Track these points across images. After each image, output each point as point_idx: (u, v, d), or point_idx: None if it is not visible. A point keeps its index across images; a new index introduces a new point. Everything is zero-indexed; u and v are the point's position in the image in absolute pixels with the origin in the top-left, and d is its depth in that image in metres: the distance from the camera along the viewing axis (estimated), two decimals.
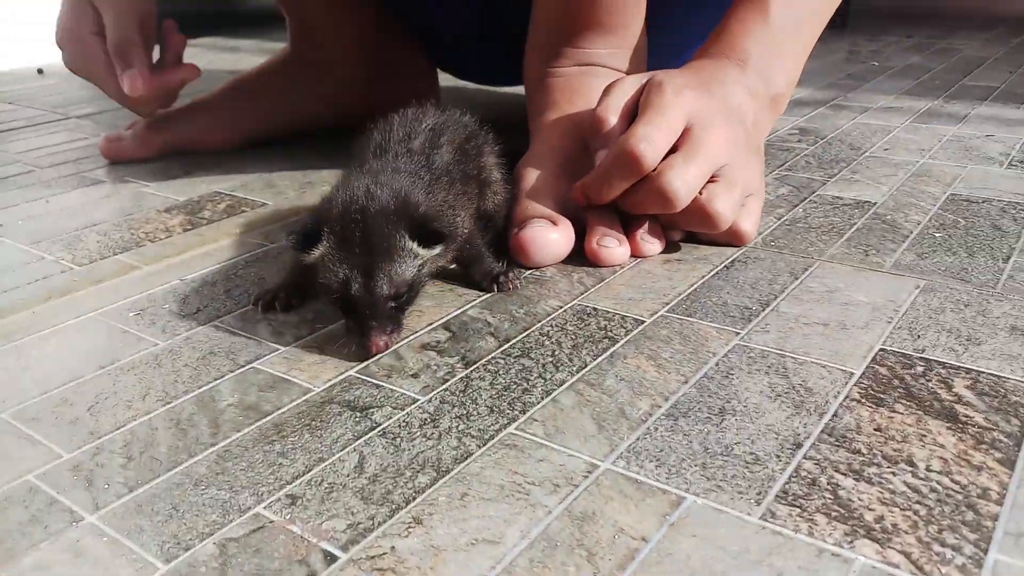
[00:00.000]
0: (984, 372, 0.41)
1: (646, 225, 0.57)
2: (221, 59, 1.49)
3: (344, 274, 0.43)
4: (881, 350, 0.43)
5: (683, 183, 0.52)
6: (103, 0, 0.74)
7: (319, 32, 0.88)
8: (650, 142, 0.52)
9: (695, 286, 0.51)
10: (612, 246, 0.55)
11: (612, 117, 0.57)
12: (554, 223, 0.55)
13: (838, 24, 1.59)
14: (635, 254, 0.56)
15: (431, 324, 0.48)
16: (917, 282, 0.51)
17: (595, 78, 0.65)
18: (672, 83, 0.55)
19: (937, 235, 0.58)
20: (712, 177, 0.54)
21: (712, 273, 0.53)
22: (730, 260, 0.55)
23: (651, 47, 0.69)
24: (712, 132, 0.54)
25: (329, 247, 0.44)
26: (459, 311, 0.49)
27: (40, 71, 1.41)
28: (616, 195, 0.55)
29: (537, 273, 0.54)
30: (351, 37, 0.89)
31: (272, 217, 0.67)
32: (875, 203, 0.65)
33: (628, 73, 0.66)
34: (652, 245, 0.56)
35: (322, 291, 0.45)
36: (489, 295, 0.51)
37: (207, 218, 0.67)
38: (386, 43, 0.91)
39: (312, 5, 0.88)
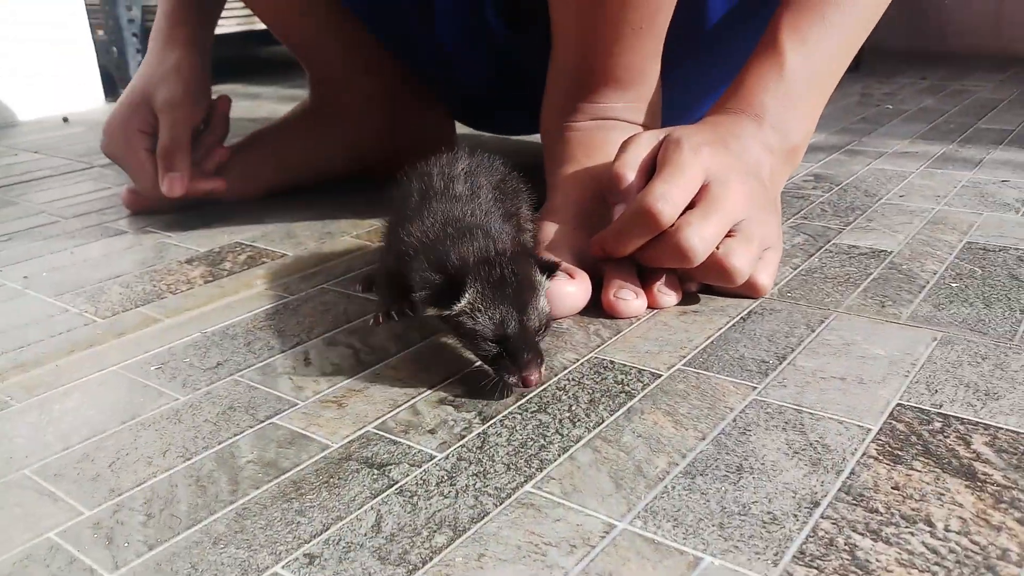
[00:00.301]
0: (1003, 428, 0.41)
1: (663, 277, 0.57)
2: (241, 107, 1.52)
3: (500, 316, 0.44)
4: (898, 405, 0.43)
5: (700, 240, 0.52)
6: (164, 107, 0.80)
7: (338, 85, 0.89)
8: (668, 200, 0.53)
9: (712, 338, 0.52)
10: (629, 298, 0.55)
11: (630, 173, 0.57)
12: (571, 276, 0.56)
13: (852, 67, 1.60)
14: (652, 306, 0.56)
15: (446, 378, 0.48)
16: (934, 334, 0.51)
17: (612, 132, 0.66)
18: (690, 140, 0.56)
19: (954, 285, 0.58)
20: (730, 232, 0.54)
21: (729, 325, 0.53)
22: (747, 312, 0.55)
23: (667, 101, 0.70)
24: (730, 188, 0.54)
25: (477, 294, 0.44)
26: (476, 363, 0.50)
27: (65, 120, 1.44)
28: (633, 250, 0.55)
29: (554, 325, 0.54)
30: (370, 90, 0.90)
31: (293, 267, 0.68)
32: (891, 252, 0.65)
33: (644, 127, 0.67)
34: (669, 297, 0.56)
35: (472, 338, 0.45)
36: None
37: (228, 269, 0.68)
38: (404, 94, 0.92)
39: (330, 60, 0.90)
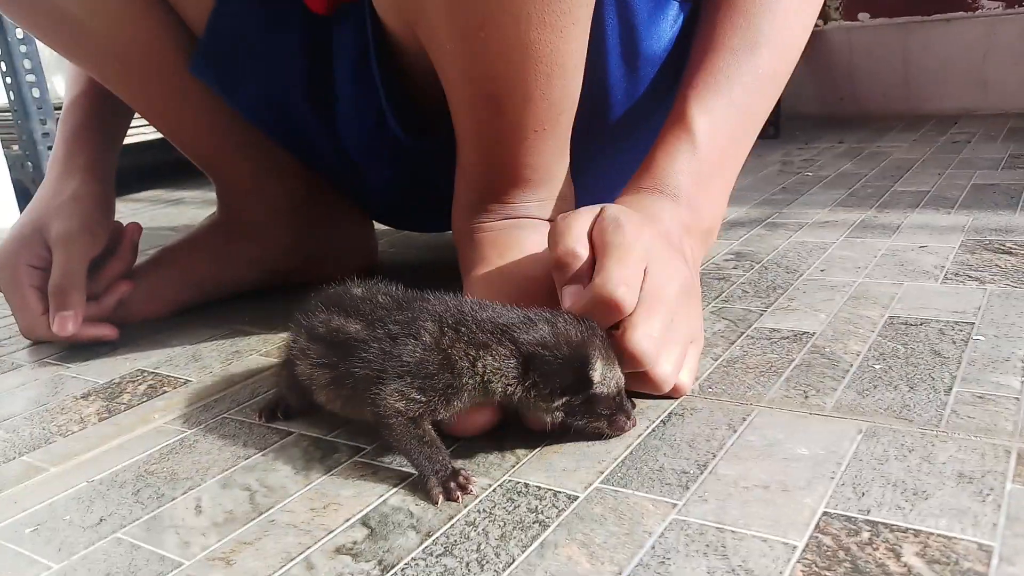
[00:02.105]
0: (933, 534, 0.38)
1: None
2: (164, 214, 1.48)
3: (616, 381, 0.49)
4: (825, 514, 0.41)
5: (651, 341, 0.50)
6: (59, 240, 0.75)
7: (245, 197, 0.87)
8: (628, 286, 0.50)
9: (631, 447, 0.49)
10: None
11: (582, 250, 0.53)
12: None
13: (771, 134, 1.63)
14: None
15: (348, 519, 0.45)
16: (859, 425, 0.49)
17: (524, 230, 0.65)
18: (629, 220, 0.53)
19: (877, 367, 0.57)
20: None
21: (649, 431, 0.51)
22: (667, 414, 0.53)
23: (579, 188, 0.69)
24: (667, 275, 0.53)
25: (597, 366, 0.47)
26: (380, 499, 0.46)
27: None
28: None
29: (467, 443, 0.51)
30: (279, 201, 0.88)
31: (195, 395, 0.64)
32: (813, 333, 0.63)
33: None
34: None
35: (594, 407, 0.48)
36: (414, 477, 0.48)
37: (126, 403, 0.64)
38: (316, 201, 0.90)
39: (236, 172, 0.87)
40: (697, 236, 0.62)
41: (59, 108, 1.57)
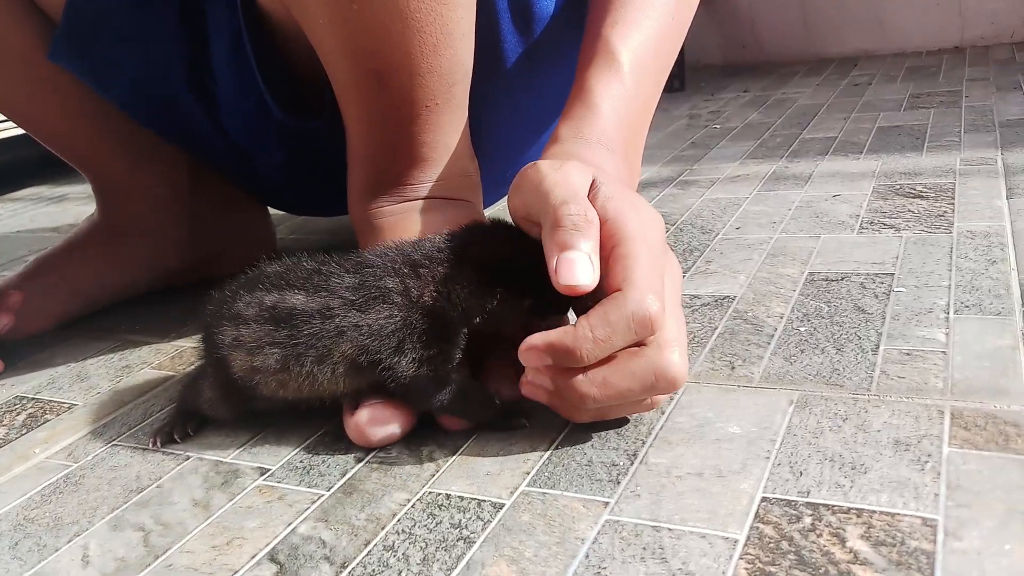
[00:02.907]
0: (876, 512, 0.37)
1: (502, 371, 0.51)
2: (44, 214, 1.38)
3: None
4: (763, 499, 0.38)
5: (683, 359, 0.43)
6: None
7: (124, 193, 0.80)
8: (659, 297, 0.42)
9: (556, 441, 0.46)
10: None
11: (593, 216, 0.44)
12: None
13: (676, 87, 1.62)
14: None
15: (254, 556, 0.40)
16: (790, 396, 0.47)
17: (426, 213, 0.60)
18: (631, 203, 0.46)
19: (802, 329, 0.55)
20: None
21: None
22: None
23: (477, 152, 0.65)
24: (671, 270, 0.47)
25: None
26: (289, 528, 0.42)
27: None
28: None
29: (381, 454, 0.48)
30: (162, 193, 0.81)
31: (81, 421, 0.58)
32: (734, 298, 0.61)
33: (460, 200, 0.61)
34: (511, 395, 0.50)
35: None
36: (324, 498, 0.44)
37: (2, 437, 0.58)
38: (204, 191, 0.84)
39: (109, 165, 0.80)
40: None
41: None
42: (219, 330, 0.49)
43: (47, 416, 0.60)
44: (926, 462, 0.39)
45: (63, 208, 1.40)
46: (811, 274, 0.64)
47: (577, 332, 0.41)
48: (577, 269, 0.41)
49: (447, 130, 0.59)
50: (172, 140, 0.80)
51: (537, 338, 0.42)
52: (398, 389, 0.46)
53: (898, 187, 0.82)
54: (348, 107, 0.58)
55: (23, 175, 1.69)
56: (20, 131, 1.46)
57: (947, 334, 0.51)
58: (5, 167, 1.63)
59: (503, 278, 0.46)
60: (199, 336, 0.54)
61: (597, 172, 0.47)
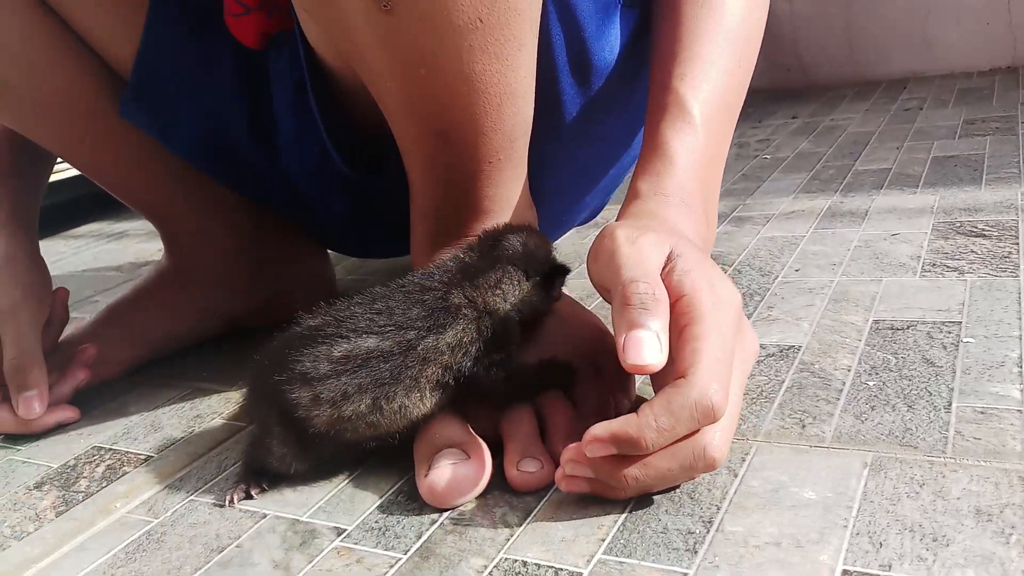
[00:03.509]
0: None
1: (564, 433, 0.51)
2: (106, 251, 1.42)
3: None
4: (844, 572, 0.38)
5: (723, 441, 0.43)
6: (4, 313, 0.68)
7: (191, 241, 0.82)
8: (723, 385, 0.42)
9: (630, 506, 0.46)
10: (534, 469, 0.49)
11: (662, 295, 0.44)
12: (466, 452, 0.50)
13: None
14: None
15: None
16: (864, 457, 0.47)
17: None
18: (710, 278, 0.46)
19: (871, 383, 0.55)
20: None
21: None
22: None
23: (534, 196, 0.66)
24: (737, 347, 0.46)
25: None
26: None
27: None
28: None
29: (455, 515, 0.48)
30: (227, 241, 0.84)
31: (158, 474, 0.60)
32: (799, 347, 0.61)
33: None
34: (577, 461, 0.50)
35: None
36: (402, 562, 0.45)
37: (83, 490, 0.59)
38: (266, 238, 0.86)
39: (178, 213, 0.83)
40: (708, 251, 0.57)
41: None
42: (290, 393, 0.50)
43: (125, 468, 0.62)
44: (1010, 534, 0.39)
45: (123, 245, 1.44)
46: (876, 322, 0.63)
47: (641, 421, 0.41)
48: (644, 348, 0.42)
49: (509, 183, 0.60)
50: (235, 187, 0.82)
51: (600, 429, 0.42)
52: (481, 393, 0.51)
53: (958, 225, 0.81)
54: (412, 163, 0.59)
55: (82, 211, 1.74)
56: (75, 172, 1.51)
57: (1022, 391, 0.51)
58: (64, 204, 1.68)
59: (536, 269, 0.54)
60: (251, 400, 0.55)
61: (675, 241, 0.48)
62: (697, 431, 0.42)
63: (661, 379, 0.44)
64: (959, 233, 0.79)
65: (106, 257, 1.38)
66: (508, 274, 0.53)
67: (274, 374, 0.51)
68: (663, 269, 0.46)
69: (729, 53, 0.57)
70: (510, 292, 0.52)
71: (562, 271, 0.56)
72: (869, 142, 1.23)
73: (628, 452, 0.42)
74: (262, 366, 0.53)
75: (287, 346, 0.51)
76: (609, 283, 0.47)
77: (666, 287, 0.45)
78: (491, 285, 0.52)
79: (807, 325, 0.65)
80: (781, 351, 0.61)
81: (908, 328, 0.61)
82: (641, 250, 0.46)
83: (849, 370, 0.57)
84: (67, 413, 0.71)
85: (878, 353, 0.59)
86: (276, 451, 0.53)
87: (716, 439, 0.42)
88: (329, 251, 0.94)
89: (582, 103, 0.64)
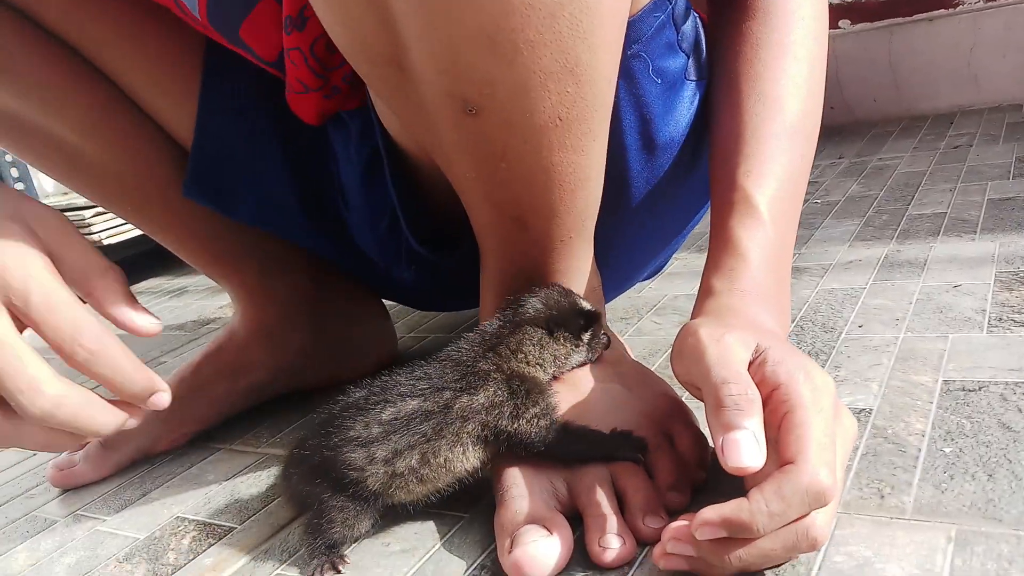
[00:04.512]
0: None
1: (645, 505, 0.52)
2: (168, 309, 1.46)
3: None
4: None
5: (826, 523, 0.44)
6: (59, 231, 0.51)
7: (256, 303, 0.85)
8: (831, 469, 0.42)
9: None
10: (617, 546, 0.50)
11: (754, 394, 0.45)
12: (548, 528, 0.51)
13: None
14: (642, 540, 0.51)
15: None
16: (947, 531, 0.47)
17: None
18: (806, 374, 0.46)
19: (947, 451, 0.55)
20: None
21: None
22: None
23: (601, 269, 0.67)
24: (838, 431, 0.47)
25: (581, 299, 0.60)
26: None
27: None
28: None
29: None
30: (291, 303, 0.86)
31: (241, 546, 0.62)
32: (871, 410, 0.61)
33: None
34: (656, 529, 0.51)
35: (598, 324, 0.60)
36: None
37: (172, 563, 0.61)
38: (330, 299, 0.89)
39: (242, 275, 0.86)
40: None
41: None
42: (343, 457, 0.54)
43: (209, 539, 0.64)
44: None
45: (185, 302, 1.48)
46: (946, 382, 0.63)
47: (752, 507, 0.42)
48: (743, 450, 0.42)
49: (578, 257, 0.62)
50: (299, 243, 0.85)
51: (711, 513, 0.43)
52: (529, 448, 0.55)
53: (1022, 275, 0.81)
54: (486, 241, 0.61)
55: (143, 268, 1.79)
56: (138, 232, 1.56)
57: None
58: (123, 261, 1.73)
59: (558, 323, 0.57)
60: (296, 482, 0.57)
61: (760, 336, 0.49)
62: (807, 515, 0.43)
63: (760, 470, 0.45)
64: (1023, 284, 0.78)
65: (168, 315, 1.42)
66: (528, 335, 0.57)
67: (322, 445, 0.55)
68: (752, 364, 0.47)
69: (790, 148, 0.59)
70: (532, 352, 0.57)
71: (590, 318, 0.59)
72: (921, 184, 1.23)
73: (739, 536, 0.43)
74: (304, 445, 0.57)
75: (331, 419, 0.56)
76: (699, 382, 0.48)
77: (761, 379, 0.46)
78: (513, 350, 0.57)
79: (876, 386, 0.65)
80: (853, 415, 0.61)
81: (980, 389, 0.61)
82: (727, 348, 0.47)
83: (923, 435, 0.57)
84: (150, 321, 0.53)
85: (952, 417, 0.58)
86: (338, 518, 0.56)
87: (819, 520, 0.43)
88: (391, 301, 0.97)
89: (648, 177, 0.65)
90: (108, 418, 0.50)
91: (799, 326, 0.80)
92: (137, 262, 1.77)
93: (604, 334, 0.62)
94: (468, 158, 0.53)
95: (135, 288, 1.79)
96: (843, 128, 1.80)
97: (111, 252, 1.64)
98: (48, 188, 1.68)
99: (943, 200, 1.12)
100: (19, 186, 1.50)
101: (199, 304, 1.43)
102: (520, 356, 0.57)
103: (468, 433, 0.54)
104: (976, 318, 0.73)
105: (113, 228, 1.55)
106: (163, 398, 0.51)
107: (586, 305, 0.59)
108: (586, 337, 0.60)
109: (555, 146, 0.50)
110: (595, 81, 0.49)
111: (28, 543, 0.70)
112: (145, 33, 0.73)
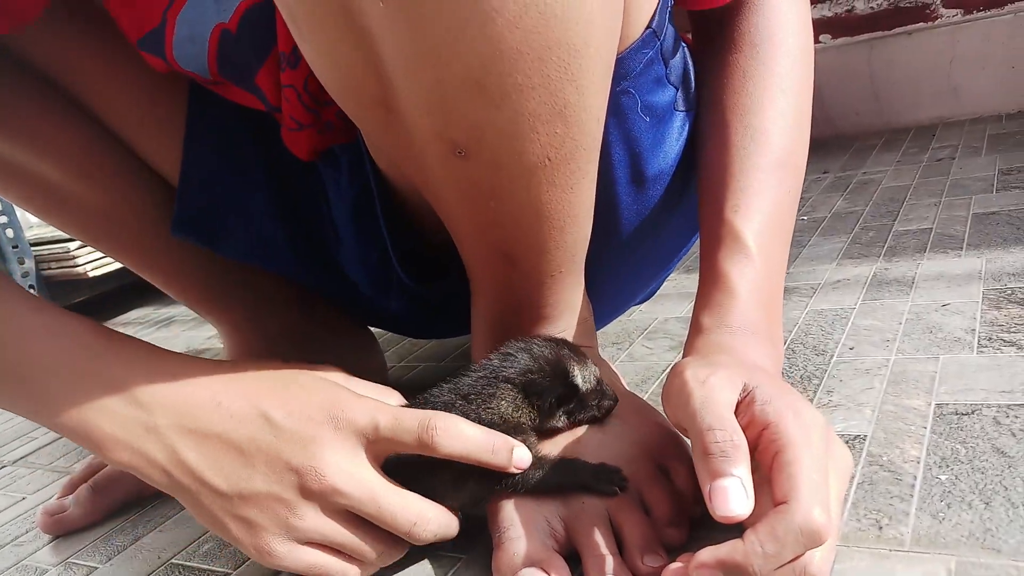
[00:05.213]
0: None
1: (641, 543, 0.52)
2: (156, 339, 1.44)
3: (593, 374, 0.58)
4: None
5: (824, 559, 0.44)
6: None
7: (244, 337, 0.85)
8: (825, 508, 0.42)
9: None
10: None
11: (740, 440, 0.45)
12: (546, 571, 0.50)
13: None
14: None
15: None
16: (947, 563, 0.47)
17: None
18: (795, 412, 0.46)
19: (942, 478, 0.55)
20: None
21: None
22: None
23: (591, 298, 0.67)
24: (831, 465, 0.47)
25: (576, 372, 0.57)
26: None
27: None
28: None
29: None
30: (280, 337, 0.86)
31: None
32: (865, 437, 0.61)
33: (580, 346, 0.63)
34: (655, 568, 0.51)
35: (589, 398, 0.58)
36: None
37: None
38: (319, 330, 0.88)
39: (229, 311, 0.86)
40: (778, 374, 0.58)
41: (35, 244, 1.55)
42: None
43: None
44: None
45: (173, 332, 1.47)
46: (939, 406, 0.63)
47: (747, 548, 0.41)
48: (731, 497, 0.42)
49: (568, 291, 0.62)
50: (288, 277, 0.85)
51: (707, 555, 0.42)
52: (515, 486, 0.55)
53: (1009, 292, 0.81)
54: (476, 277, 0.61)
55: (128, 299, 1.78)
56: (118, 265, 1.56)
57: None
58: (111, 293, 1.72)
59: (535, 394, 0.56)
60: None
61: (748, 374, 0.49)
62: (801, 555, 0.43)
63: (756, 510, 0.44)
64: (1011, 302, 0.79)
65: None
66: (503, 393, 0.56)
67: None
68: (741, 403, 0.47)
69: (777, 183, 0.59)
70: (506, 411, 0.55)
71: (572, 391, 0.57)
72: (905, 198, 1.24)
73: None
74: None
75: None
76: (686, 425, 0.48)
77: (750, 419, 0.46)
78: (484, 402, 0.55)
79: (869, 411, 0.65)
80: (848, 441, 0.61)
81: (973, 413, 0.61)
82: (712, 391, 0.47)
83: (919, 462, 0.57)
84: None
85: (946, 443, 0.59)
86: None
87: (817, 557, 0.43)
88: (380, 330, 0.96)
89: (639, 209, 0.66)
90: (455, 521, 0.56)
91: (791, 348, 0.80)
92: (122, 294, 1.76)
93: (608, 395, 0.59)
94: (457, 197, 0.53)
95: (122, 320, 1.78)
96: (827, 142, 1.81)
97: (96, 284, 1.63)
98: (32, 219, 1.67)
99: (928, 215, 1.13)
100: (8, 232, 1.49)
101: (187, 335, 1.42)
102: (491, 408, 0.55)
103: (456, 471, 0.54)
104: (966, 338, 0.74)
105: (97, 260, 1.54)
106: (523, 452, 0.54)
107: (576, 376, 0.57)
108: (560, 412, 0.57)
109: (544, 185, 0.50)
110: (584, 121, 0.49)
111: None
112: (129, 72, 0.72)
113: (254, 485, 0.51)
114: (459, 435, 0.52)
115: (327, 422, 0.51)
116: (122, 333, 0.56)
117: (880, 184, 1.36)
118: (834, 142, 1.79)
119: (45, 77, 0.71)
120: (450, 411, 0.54)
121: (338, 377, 0.58)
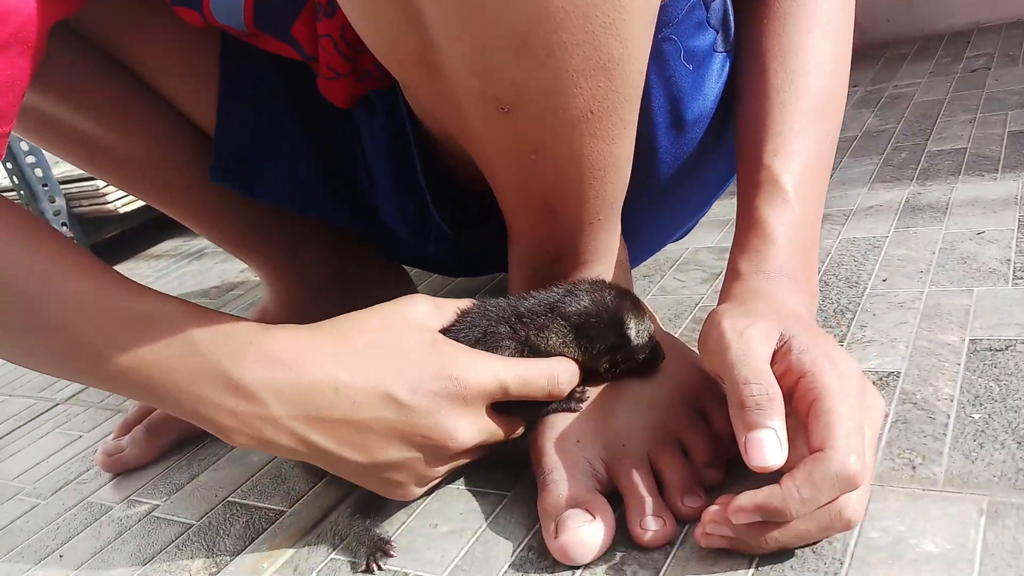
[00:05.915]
0: None
1: (683, 485, 0.54)
2: (189, 273, 1.48)
3: (647, 330, 0.59)
4: None
5: (860, 503, 0.46)
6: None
7: (284, 281, 0.87)
8: (860, 455, 0.44)
9: (756, 562, 0.49)
10: (657, 528, 0.52)
11: (775, 393, 0.46)
12: (591, 512, 0.53)
13: None
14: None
15: None
16: (979, 503, 0.49)
17: None
18: (831, 360, 0.47)
19: (976, 416, 0.56)
20: None
21: None
22: None
23: (627, 240, 0.68)
24: (865, 414, 0.48)
25: (631, 324, 0.58)
26: None
27: None
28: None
29: (587, 573, 0.52)
30: (317, 280, 0.88)
31: (293, 530, 0.64)
32: (899, 373, 0.63)
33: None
34: (694, 508, 0.53)
35: (638, 351, 0.59)
36: None
37: (228, 548, 0.64)
38: (356, 271, 0.90)
39: (269, 255, 0.87)
40: (814, 319, 0.59)
41: (64, 182, 1.56)
42: None
43: (262, 524, 0.66)
44: None
45: (205, 266, 1.49)
46: (973, 342, 0.64)
47: (784, 493, 0.43)
48: (766, 449, 0.44)
49: (606, 236, 0.62)
50: (324, 221, 0.86)
51: (745, 500, 0.45)
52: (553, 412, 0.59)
53: None
54: (515, 225, 0.62)
55: (159, 231, 1.80)
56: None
57: None
58: (139, 228, 1.74)
59: (587, 337, 0.57)
60: None
61: (784, 324, 0.49)
62: (837, 498, 0.45)
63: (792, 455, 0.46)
64: None
65: (190, 280, 1.43)
66: (557, 327, 0.58)
67: None
68: (777, 352, 0.48)
69: (816, 127, 0.58)
70: (554, 343, 0.58)
71: (623, 341, 0.58)
72: (939, 115, 1.21)
73: (772, 520, 0.45)
74: None
75: None
76: (723, 376, 0.49)
77: (786, 368, 0.47)
78: (537, 328, 0.58)
79: (903, 347, 0.66)
80: (881, 379, 0.63)
81: (1007, 349, 0.62)
82: (749, 342, 0.48)
83: (952, 400, 0.58)
84: None
85: (980, 380, 0.60)
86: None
87: (852, 501, 0.45)
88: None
89: (677, 153, 0.66)
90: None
91: (824, 281, 0.81)
92: (153, 227, 1.78)
93: (658, 352, 0.60)
94: (498, 150, 0.53)
95: (153, 252, 1.81)
96: (856, 51, 1.76)
97: (126, 220, 1.65)
98: (64, 165, 1.68)
99: (963, 134, 1.11)
100: (37, 172, 1.50)
101: (220, 268, 1.45)
102: (541, 337, 0.58)
103: None
104: (1001, 269, 0.74)
105: (126, 196, 1.55)
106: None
107: (631, 328, 0.57)
108: (606, 358, 0.58)
109: (586, 137, 0.51)
110: (628, 74, 0.49)
111: (89, 532, 0.73)
112: (162, 21, 0.72)
113: (390, 456, 0.54)
114: (569, 373, 0.57)
115: (453, 391, 0.53)
116: (216, 312, 0.56)
117: (912, 99, 1.34)
118: (864, 51, 1.74)
119: (83, 35, 0.71)
120: (500, 325, 0.58)
121: (430, 313, 0.58)
